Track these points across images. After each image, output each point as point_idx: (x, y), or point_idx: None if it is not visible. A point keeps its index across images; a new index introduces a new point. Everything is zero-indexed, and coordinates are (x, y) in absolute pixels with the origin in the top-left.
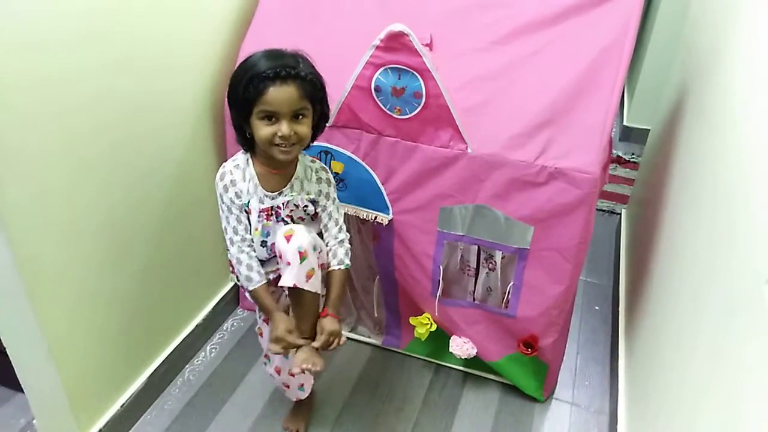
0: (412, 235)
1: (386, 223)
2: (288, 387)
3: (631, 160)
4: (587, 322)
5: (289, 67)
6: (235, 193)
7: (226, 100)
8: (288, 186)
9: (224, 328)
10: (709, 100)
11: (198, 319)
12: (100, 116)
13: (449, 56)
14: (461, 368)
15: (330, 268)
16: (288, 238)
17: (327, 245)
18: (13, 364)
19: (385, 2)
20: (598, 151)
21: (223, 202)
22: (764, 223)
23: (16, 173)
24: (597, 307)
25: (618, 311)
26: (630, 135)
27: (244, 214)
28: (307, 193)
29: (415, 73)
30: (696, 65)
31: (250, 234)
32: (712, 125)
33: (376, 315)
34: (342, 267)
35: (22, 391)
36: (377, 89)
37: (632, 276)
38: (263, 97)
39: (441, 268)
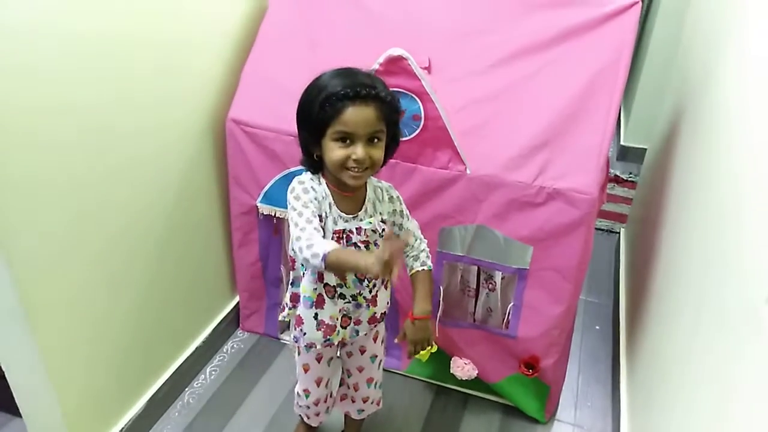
0: None
1: None
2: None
3: (629, 179)
4: (588, 342)
5: (369, 86)
6: (315, 198)
7: (296, 120)
8: (362, 210)
9: (224, 350)
10: (704, 118)
11: (198, 341)
12: (100, 141)
13: (447, 79)
14: (462, 390)
15: (413, 270)
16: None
17: (408, 255)
18: (11, 388)
19: (384, 27)
20: (595, 172)
21: (299, 199)
22: (763, 242)
23: (16, 197)
24: (597, 327)
25: (619, 330)
26: (627, 154)
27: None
28: (380, 214)
29: (414, 96)
30: (690, 85)
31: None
32: (707, 143)
33: None
34: (425, 268)
35: (20, 415)
36: None
37: (632, 295)
38: (340, 117)
39: (441, 288)
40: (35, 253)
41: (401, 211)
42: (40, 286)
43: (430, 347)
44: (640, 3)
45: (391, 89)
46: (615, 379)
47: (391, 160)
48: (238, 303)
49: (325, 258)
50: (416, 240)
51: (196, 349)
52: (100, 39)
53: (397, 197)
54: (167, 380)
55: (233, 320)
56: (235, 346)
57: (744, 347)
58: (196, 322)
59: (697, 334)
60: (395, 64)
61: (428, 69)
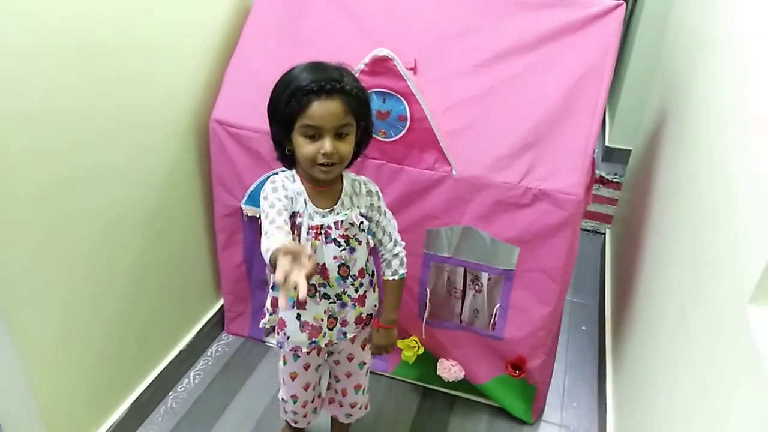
0: None
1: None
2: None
3: (614, 180)
4: (574, 342)
5: (334, 80)
6: (285, 195)
7: (267, 114)
8: (339, 203)
9: (209, 353)
10: (687, 120)
11: (182, 344)
12: (80, 140)
13: (433, 80)
14: (449, 391)
15: (384, 278)
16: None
17: (382, 257)
18: None
19: (370, 27)
20: (581, 173)
21: (266, 199)
22: (746, 241)
23: None
24: (584, 327)
25: (604, 331)
26: (612, 155)
27: (288, 220)
28: (358, 207)
29: (399, 96)
30: (674, 87)
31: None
32: (691, 144)
33: None
34: (396, 277)
35: None
36: None
37: (618, 295)
38: (306, 112)
39: (428, 290)
40: (14, 255)
41: (378, 207)
42: (19, 289)
43: (416, 349)
44: (625, 4)
45: (372, 89)
46: (601, 379)
47: (377, 161)
48: (222, 306)
49: (270, 256)
50: (390, 241)
51: (180, 352)
52: (82, 40)
53: (376, 192)
54: (150, 384)
55: (218, 323)
56: (219, 349)
57: (727, 346)
58: (180, 326)
59: (681, 334)
60: (381, 65)
61: (414, 69)
